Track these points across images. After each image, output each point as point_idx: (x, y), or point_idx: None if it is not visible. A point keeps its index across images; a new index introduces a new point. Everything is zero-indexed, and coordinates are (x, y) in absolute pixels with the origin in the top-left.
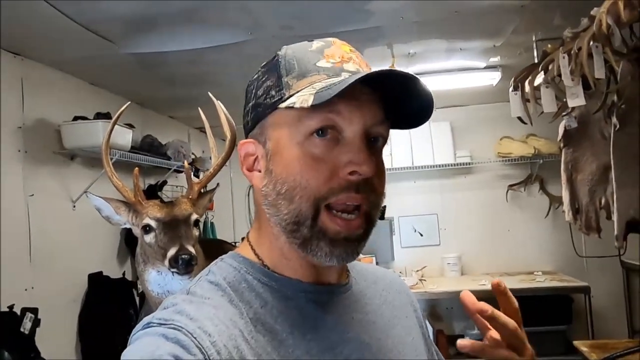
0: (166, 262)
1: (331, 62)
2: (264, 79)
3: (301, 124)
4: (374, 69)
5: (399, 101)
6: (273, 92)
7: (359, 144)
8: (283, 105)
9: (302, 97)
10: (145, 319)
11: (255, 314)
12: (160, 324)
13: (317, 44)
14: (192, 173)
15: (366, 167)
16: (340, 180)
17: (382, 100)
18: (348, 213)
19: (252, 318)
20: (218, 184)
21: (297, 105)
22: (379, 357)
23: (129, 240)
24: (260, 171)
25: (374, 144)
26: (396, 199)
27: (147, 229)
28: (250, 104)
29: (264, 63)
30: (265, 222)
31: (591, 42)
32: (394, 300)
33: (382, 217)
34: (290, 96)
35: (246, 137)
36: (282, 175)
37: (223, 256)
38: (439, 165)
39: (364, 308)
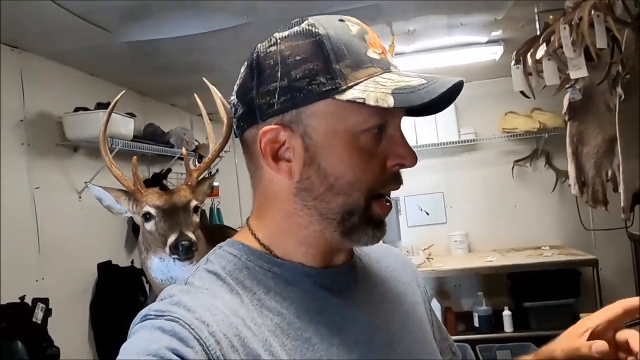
0: (167, 249)
1: (377, 52)
2: (299, 58)
3: (358, 119)
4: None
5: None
6: (322, 79)
7: (402, 137)
8: (344, 97)
9: (375, 94)
10: (143, 311)
11: (260, 300)
12: (157, 316)
13: (354, 27)
14: (192, 160)
15: (411, 159)
16: (389, 172)
17: None
18: (385, 198)
19: (256, 305)
20: (217, 170)
21: (371, 103)
22: (388, 336)
23: (136, 229)
24: (289, 161)
25: None
26: None
27: (147, 216)
28: (277, 84)
29: (287, 34)
30: (269, 210)
31: (592, 12)
32: (399, 277)
33: None
34: (349, 87)
35: (263, 120)
36: (337, 169)
37: (221, 244)
38: (444, 143)
39: (369, 288)
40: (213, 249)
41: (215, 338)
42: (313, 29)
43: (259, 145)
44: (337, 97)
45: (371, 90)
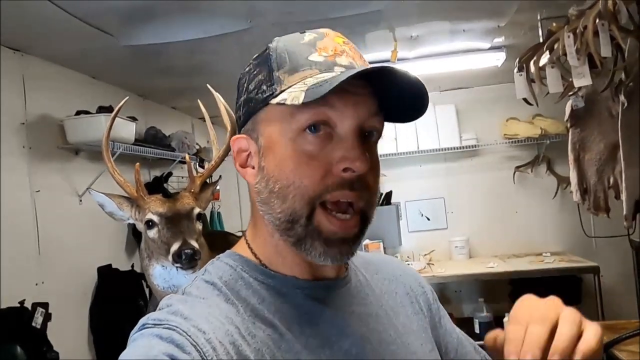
0: (170, 257)
1: (324, 55)
2: (255, 72)
3: (293, 120)
4: (376, 54)
5: (392, 95)
6: (264, 87)
7: (352, 139)
8: (274, 101)
9: (293, 93)
10: (141, 321)
11: (254, 311)
12: (155, 325)
13: (309, 36)
14: (194, 165)
15: (359, 163)
16: (335, 177)
17: (376, 93)
18: (343, 212)
19: (250, 315)
20: (220, 177)
21: (288, 102)
22: (380, 350)
23: (136, 233)
24: (253, 167)
25: (368, 139)
26: (402, 184)
27: (150, 224)
28: (242, 98)
29: (256, 55)
30: (260, 219)
31: (597, 20)
32: (397, 288)
33: (388, 202)
34: (282, 91)
35: (238, 132)
36: (275, 172)
37: (220, 255)
38: (445, 149)
39: (364, 300)
40: (211, 260)
41: (211, 345)
42: (269, 45)
43: (232, 154)
44: (271, 101)
45: (292, 91)
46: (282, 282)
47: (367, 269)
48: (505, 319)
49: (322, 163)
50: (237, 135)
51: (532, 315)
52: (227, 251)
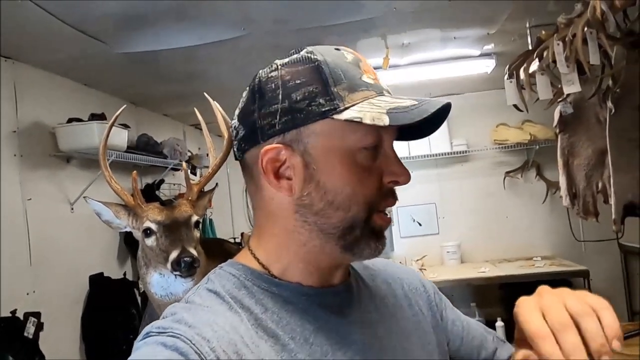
0: (168, 265)
1: (370, 78)
2: (298, 81)
3: (355, 137)
4: (369, 60)
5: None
6: (321, 100)
7: (396, 156)
8: (341, 117)
9: (371, 114)
10: (145, 329)
11: (257, 320)
12: (159, 333)
13: (348, 55)
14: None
15: (405, 177)
16: (385, 188)
17: None
18: (384, 211)
19: (253, 324)
20: (217, 184)
21: (368, 122)
22: (381, 356)
23: (128, 241)
24: (290, 179)
25: None
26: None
27: (147, 232)
28: (279, 106)
29: (288, 61)
30: (269, 229)
31: (586, 28)
32: (396, 291)
33: None
34: (346, 108)
35: (265, 140)
36: (336, 185)
37: (222, 264)
38: (436, 154)
39: (366, 306)
40: (214, 269)
41: (215, 353)
42: (312, 56)
43: (260, 164)
44: (336, 116)
45: (367, 111)
46: (288, 289)
47: (366, 273)
48: (497, 324)
49: (376, 176)
50: (271, 145)
51: (552, 323)
52: (229, 260)
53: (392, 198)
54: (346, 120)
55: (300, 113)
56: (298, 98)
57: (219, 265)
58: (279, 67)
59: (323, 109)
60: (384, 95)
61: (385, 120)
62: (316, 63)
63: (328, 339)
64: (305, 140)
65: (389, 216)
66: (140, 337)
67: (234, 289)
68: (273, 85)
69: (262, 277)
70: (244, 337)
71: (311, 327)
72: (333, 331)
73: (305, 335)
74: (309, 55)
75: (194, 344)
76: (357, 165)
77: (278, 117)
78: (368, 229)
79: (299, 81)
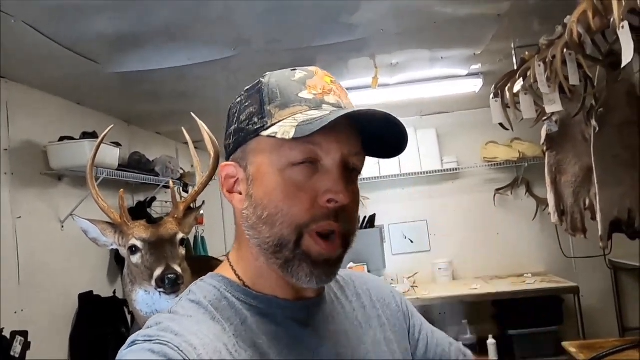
0: (153, 282)
1: (313, 93)
2: (247, 104)
3: (282, 153)
4: (358, 80)
5: (374, 133)
6: (255, 119)
7: (336, 173)
8: (265, 133)
9: (284, 128)
10: (131, 338)
11: (237, 330)
12: (146, 341)
13: (299, 74)
14: (179, 190)
15: (343, 195)
16: (320, 208)
17: (359, 130)
18: (327, 238)
19: (234, 334)
20: (204, 202)
21: (278, 136)
22: None
23: (119, 259)
24: (240, 193)
25: (351, 173)
26: (385, 207)
27: (133, 249)
28: (233, 128)
29: (247, 88)
30: (245, 242)
31: (565, 50)
32: (365, 302)
33: (372, 225)
34: (272, 125)
35: (227, 159)
36: (264, 200)
37: (203, 277)
38: (426, 172)
39: (338, 318)
40: (195, 282)
41: None
42: (261, 79)
43: (220, 180)
44: (263, 133)
45: (282, 126)
46: (264, 302)
47: (337, 285)
48: (489, 341)
49: (309, 193)
50: (226, 162)
51: None
52: (210, 273)
53: (329, 219)
54: (269, 136)
55: (242, 132)
56: (242, 119)
57: (200, 278)
58: (242, 93)
59: (255, 127)
60: (318, 109)
61: (291, 134)
62: (259, 85)
63: (301, 353)
64: (246, 157)
65: (332, 244)
66: (125, 345)
67: (215, 300)
68: (234, 110)
69: (240, 289)
70: (227, 345)
71: (285, 341)
72: (306, 344)
73: (280, 347)
74: (260, 79)
75: (181, 351)
76: (286, 182)
77: (231, 138)
78: (300, 253)
79: (247, 103)
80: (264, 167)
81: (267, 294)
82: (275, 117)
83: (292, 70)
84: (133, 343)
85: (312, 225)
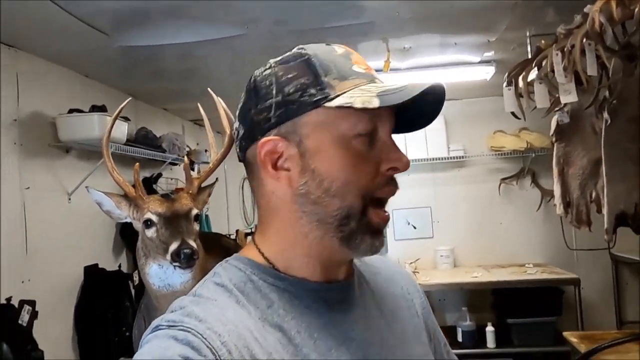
0: (168, 257)
1: (361, 68)
2: (290, 75)
3: (348, 124)
4: (369, 63)
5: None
6: (313, 91)
7: (393, 143)
8: (332, 104)
9: (360, 98)
10: (154, 322)
11: (263, 314)
12: (170, 327)
13: (339, 49)
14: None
15: (403, 163)
16: (383, 175)
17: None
18: (383, 207)
19: (260, 318)
20: (217, 179)
21: (358, 106)
22: (382, 355)
23: (124, 233)
24: (288, 170)
25: None
26: None
27: (148, 223)
28: (274, 100)
29: (280, 59)
30: (275, 223)
31: (584, 40)
32: (395, 290)
33: None
34: (337, 96)
35: (262, 135)
36: (332, 172)
37: (228, 258)
38: (433, 159)
39: (368, 304)
40: (220, 263)
41: (227, 348)
42: (302, 51)
43: (259, 157)
44: (327, 104)
45: (357, 96)
46: (293, 284)
47: (369, 270)
48: (488, 328)
49: (372, 163)
50: (268, 138)
51: None
52: (235, 254)
53: (391, 186)
54: (338, 108)
55: (294, 104)
56: (291, 91)
57: (225, 259)
58: (273, 65)
59: (315, 99)
60: (375, 82)
61: (375, 103)
62: (306, 57)
63: (332, 335)
64: (300, 130)
65: (387, 214)
66: (149, 330)
67: (241, 283)
68: (267, 82)
69: (268, 272)
70: (252, 330)
71: (316, 323)
72: (337, 327)
73: (310, 330)
74: (300, 51)
75: (205, 339)
76: (352, 152)
77: (273, 111)
78: (364, 223)
79: (291, 75)
80: (329, 139)
81: (296, 277)
82: (337, 88)
83: (326, 45)
84: (157, 328)
85: (377, 192)
